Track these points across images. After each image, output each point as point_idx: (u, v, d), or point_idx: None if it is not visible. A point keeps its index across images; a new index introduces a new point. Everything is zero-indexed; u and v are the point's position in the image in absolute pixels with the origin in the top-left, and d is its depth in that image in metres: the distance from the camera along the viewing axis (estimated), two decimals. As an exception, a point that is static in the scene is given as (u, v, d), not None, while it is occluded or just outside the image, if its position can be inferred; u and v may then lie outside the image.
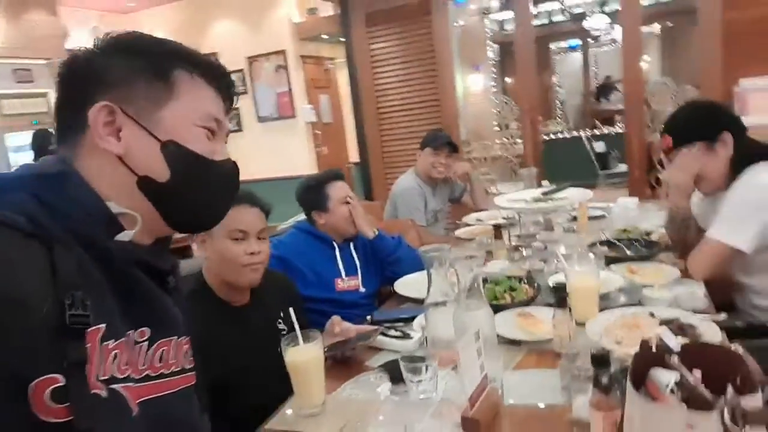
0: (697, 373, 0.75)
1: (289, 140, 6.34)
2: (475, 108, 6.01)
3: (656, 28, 6.83)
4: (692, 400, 0.69)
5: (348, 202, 1.96)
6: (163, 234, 0.76)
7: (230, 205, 0.81)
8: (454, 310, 1.23)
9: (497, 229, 2.05)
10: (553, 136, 6.42)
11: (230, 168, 0.77)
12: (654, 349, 0.78)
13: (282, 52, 6.41)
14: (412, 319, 1.58)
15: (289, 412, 1.24)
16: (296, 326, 1.20)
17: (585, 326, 1.34)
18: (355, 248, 2.02)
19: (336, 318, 1.51)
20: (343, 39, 4.73)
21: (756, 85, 3.15)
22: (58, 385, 0.56)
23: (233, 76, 0.79)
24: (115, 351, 0.63)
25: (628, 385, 0.75)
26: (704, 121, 1.69)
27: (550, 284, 1.63)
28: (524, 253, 2.02)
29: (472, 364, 1.08)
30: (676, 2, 6.48)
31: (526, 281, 1.67)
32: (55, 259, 0.58)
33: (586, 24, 7.12)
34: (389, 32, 4.45)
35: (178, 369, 0.73)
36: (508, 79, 7.82)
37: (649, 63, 5.93)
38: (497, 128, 5.53)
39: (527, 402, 1.13)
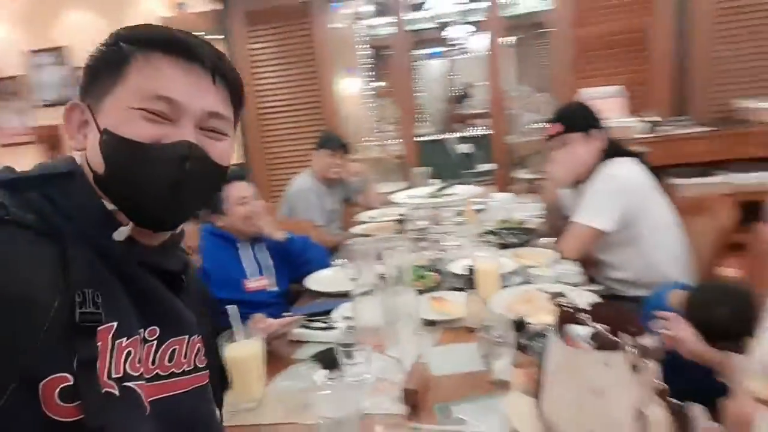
0: (602, 326, 0.94)
1: (155, 142, 5.95)
2: (353, 110, 6.20)
3: (511, 39, 7.57)
4: (605, 345, 0.87)
5: (244, 204, 1.95)
6: (154, 234, 0.72)
7: (183, 195, 0.68)
8: (383, 297, 1.34)
9: (399, 223, 2.19)
10: (422, 138, 6.81)
11: (177, 152, 0.66)
12: (571, 310, 0.96)
13: (146, 49, 6.03)
14: (329, 311, 1.66)
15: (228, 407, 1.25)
16: (239, 323, 1.22)
17: (491, 303, 1.52)
18: (268, 247, 2.03)
19: (258, 315, 1.53)
20: (216, 36, 4.59)
21: (595, 93, 3.68)
22: (67, 384, 0.56)
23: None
24: (129, 348, 0.63)
25: (554, 338, 0.91)
26: (586, 116, 2.00)
27: (452, 270, 1.80)
28: (421, 245, 2.20)
29: (407, 341, 1.20)
30: (530, 16, 7.27)
31: (431, 269, 1.83)
32: (66, 257, 0.58)
33: (448, 33, 7.63)
34: (270, 32, 4.43)
35: (191, 368, 0.73)
36: (380, 83, 8.16)
37: (506, 71, 6.56)
38: (374, 130, 5.75)
39: (453, 371, 1.27)
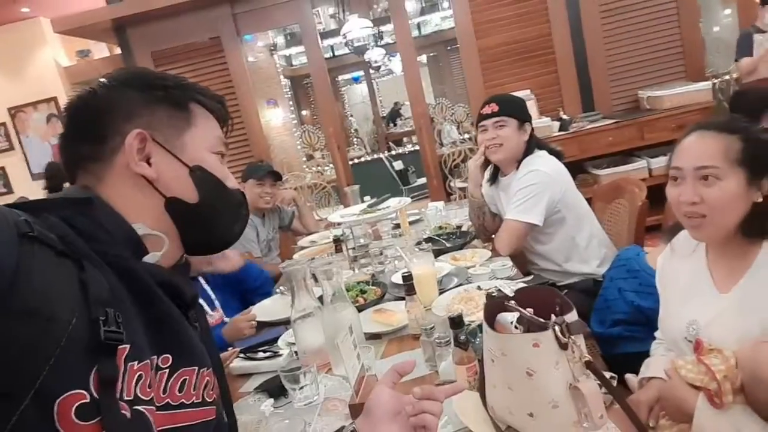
0: (530, 310, 0.97)
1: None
2: (279, 141, 6.19)
3: (424, 57, 7.85)
4: (532, 327, 0.90)
5: None
6: (175, 257, 0.77)
7: (239, 231, 0.84)
8: (323, 316, 1.33)
9: (338, 243, 2.19)
10: (356, 161, 6.89)
11: (241, 197, 0.83)
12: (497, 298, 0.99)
13: (53, 99, 5.81)
14: (275, 340, 1.63)
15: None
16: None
17: (431, 307, 1.55)
18: (205, 280, 1.97)
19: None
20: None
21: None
22: (84, 401, 0.55)
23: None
24: (140, 372, 0.62)
25: (484, 326, 0.94)
26: (522, 106, 2.08)
27: (393, 281, 1.82)
28: (362, 262, 2.21)
29: (350, 355, 1.19)
30: (438, 34, 7.59)
31: (372, 284, 1.84)
32: (85, 277, 0.58)
33: (367, 56, 7.79)
34: (180, 70, 4.35)
35: (199, 401, 0.71)
36: (303, 112, 8.20)
37: (423, 87, 6.82)
38: (304, 158, 5.76)
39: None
